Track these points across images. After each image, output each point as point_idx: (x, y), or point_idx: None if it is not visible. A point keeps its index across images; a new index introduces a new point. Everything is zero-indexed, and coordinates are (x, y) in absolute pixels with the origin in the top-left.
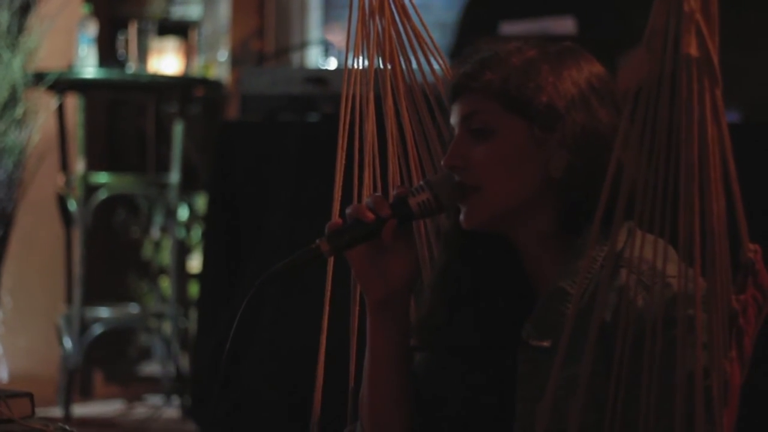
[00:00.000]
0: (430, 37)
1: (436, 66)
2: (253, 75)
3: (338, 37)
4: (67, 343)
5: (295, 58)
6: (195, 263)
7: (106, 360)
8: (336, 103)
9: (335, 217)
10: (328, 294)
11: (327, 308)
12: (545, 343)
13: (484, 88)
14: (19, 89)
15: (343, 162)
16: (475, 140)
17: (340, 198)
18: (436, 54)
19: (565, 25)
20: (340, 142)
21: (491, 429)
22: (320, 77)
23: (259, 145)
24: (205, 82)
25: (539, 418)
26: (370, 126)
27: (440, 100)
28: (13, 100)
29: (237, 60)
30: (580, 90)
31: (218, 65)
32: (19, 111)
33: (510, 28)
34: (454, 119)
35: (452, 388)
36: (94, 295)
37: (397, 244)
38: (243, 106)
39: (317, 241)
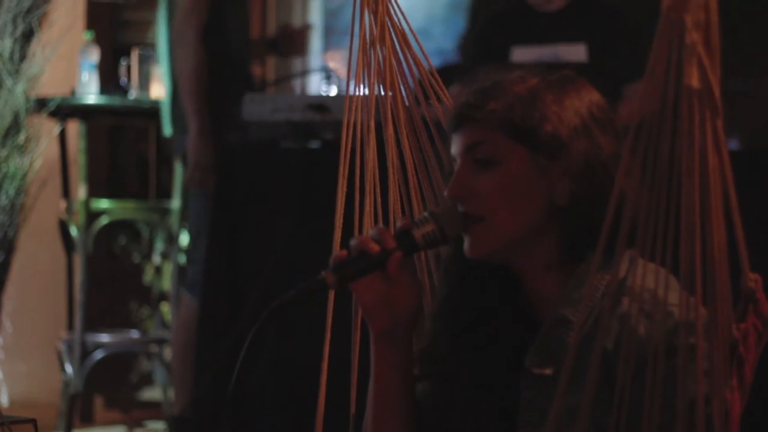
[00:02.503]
0: (430, 65)
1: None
2: (255, 102)
3: (339, 65)
4: (68, 368)
5: (296, 85)
6: None
7: (107, 385)
8: (337, 130)
9: (337, 246)
10: (329, 323)
11: (328, 336)
12: (547, 371)
13: (487, 118)
14: (22, 115)
15: (344, 189)
16: (479, 170)
17: (341, 226)
18: (435, 82)
19: (577, 51)
20: (341, 169)
21: None
22: (322, 104)
23: (261, 170)
24: None
25: None
26: (371, 153)
27: (440, 128)
28: (15, 126)
29: None
30: (582, 119)
31: None
32: (21, 137)
33: (522, 53)
34: (455, 149)
35: (455, 417)
36: (95, 321)
37: (402, 275)
38: (244, 132)
39: (322, 273)
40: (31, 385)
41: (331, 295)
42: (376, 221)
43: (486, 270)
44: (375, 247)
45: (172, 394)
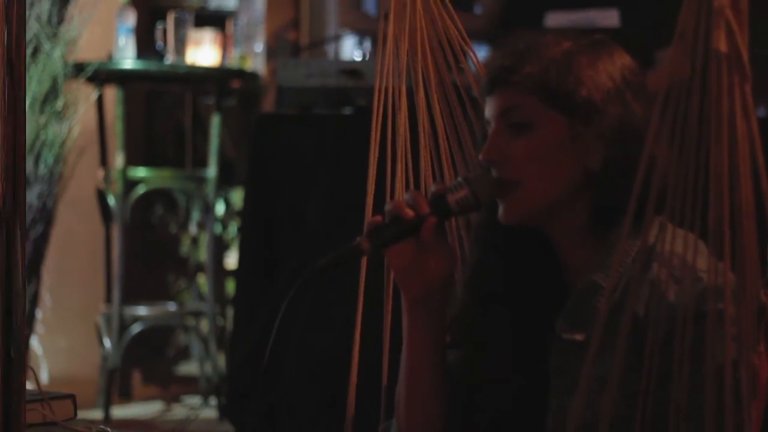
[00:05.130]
0: (461, 30)
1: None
2: (289, 67)
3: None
4: (107, 342)
5: (329, 49)
6: (232, 260)
7: (145, 360)
8: (370, 96)
9: (369, 212)
10: (361, 291)
11: (361, 304)
12: (578, 337)
13: (522, 82)
14: (60, 81)
15: (377, 155)
16: (513, 134)
17: (374, 192)
18: (466, 46)
19: (610, 17)
20: (373, 135)
21: (526, 425)
22: (355, 69)
23: (295, 138)
24: (241, 74)
25: (572, 413)
26: (403, 119)
27: (471, 93)
28: (53, 92)
29: (272, 51)
30: (615, 83)
31: (254, 57)
32: (59, 104)
33: (555, 18)
34: (489, 113)
35: (486, 386)
36: (132, 293)
37: (435, 241)
38: (278, 98)
39: (358, 238)
40: (71, 361)
41: (364, 262)
42: (407, 187)
43: (518, 236)
44: (409, 213)
45: (208, 367)
